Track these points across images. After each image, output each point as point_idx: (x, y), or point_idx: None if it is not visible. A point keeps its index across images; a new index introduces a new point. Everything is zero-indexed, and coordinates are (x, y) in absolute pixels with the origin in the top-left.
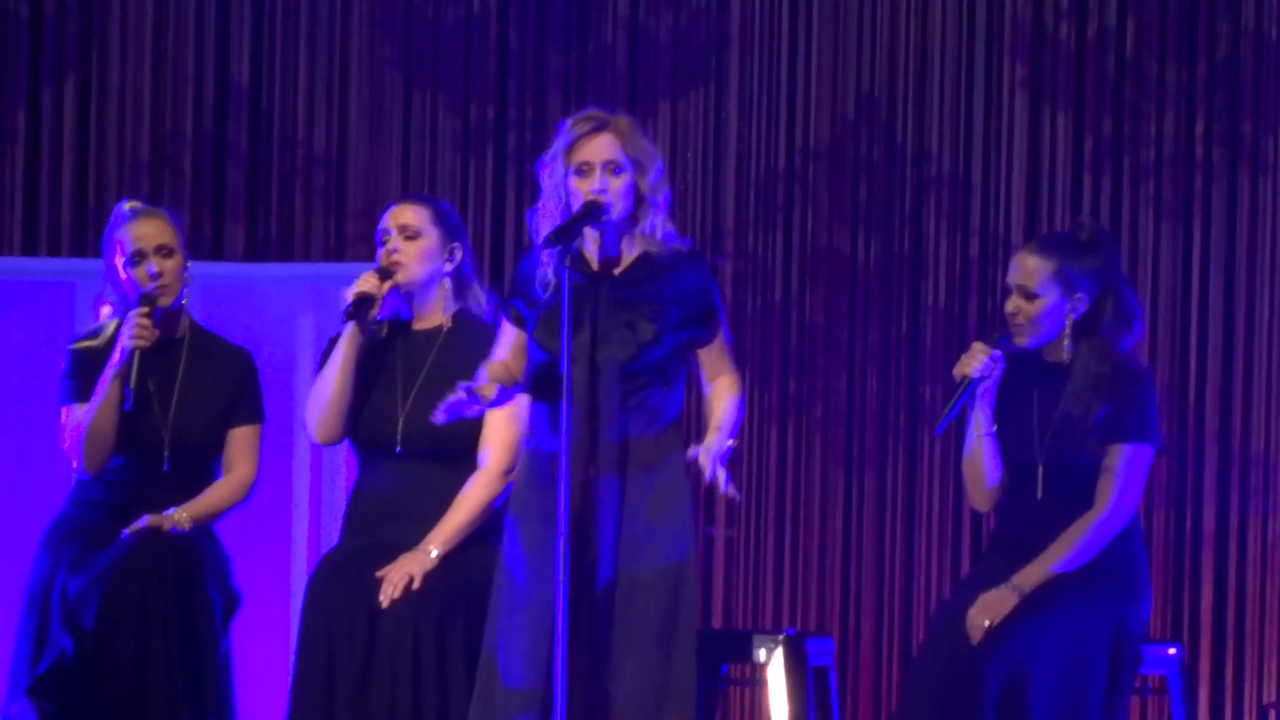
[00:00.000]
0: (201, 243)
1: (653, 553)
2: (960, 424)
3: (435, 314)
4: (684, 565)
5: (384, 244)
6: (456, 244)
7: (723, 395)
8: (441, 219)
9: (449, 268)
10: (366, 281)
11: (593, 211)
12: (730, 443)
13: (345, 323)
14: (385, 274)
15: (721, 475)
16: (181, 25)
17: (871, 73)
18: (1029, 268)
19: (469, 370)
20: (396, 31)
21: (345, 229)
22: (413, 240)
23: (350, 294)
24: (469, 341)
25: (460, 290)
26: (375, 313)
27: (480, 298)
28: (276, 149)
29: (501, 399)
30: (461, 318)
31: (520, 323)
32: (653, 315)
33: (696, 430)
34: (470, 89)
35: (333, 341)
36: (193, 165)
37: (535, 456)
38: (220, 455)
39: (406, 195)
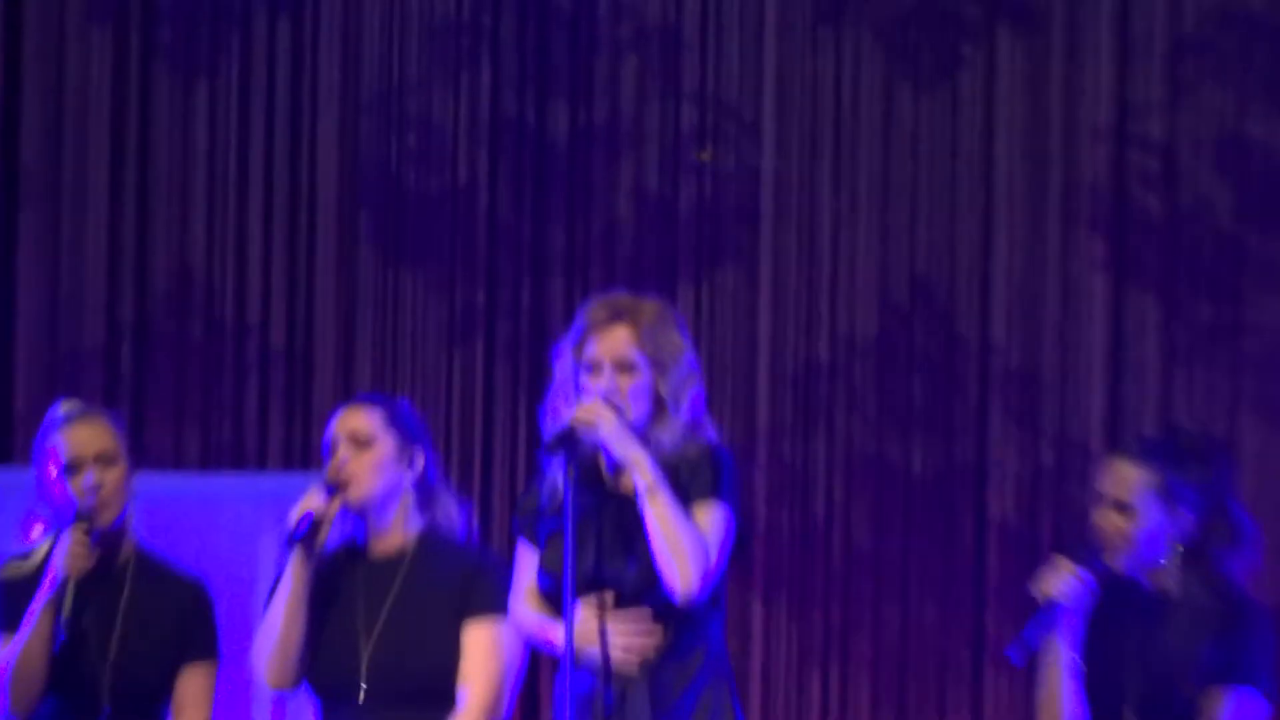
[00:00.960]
0: (146, 450)
1: None
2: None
3: (396, 534)
4: None
5: (332, 454)
6: (417, 448)
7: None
8: (397, 421)
9: (410, 478)
10: (311, 500)
11: (335, 493)
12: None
13: (290, 549)
14: (334, 489)
15: None
16: (119, 190)
17: (928, 250)
18: (1124, 478)
19: (440, 601)
20: (371, 201)
21: (311, 434)
22: (364, 449)
23: (295, 514)
24: (439, 565)
25: (426, 503)
26: (324, 537)
27: (451, 511)
28: (231, 339)
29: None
30: (429, 538)
31: (538, 543)
32: None
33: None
34: (456, 268)
35: (281, 573)
36: (134, 359)
37: (571, 699)
38: (169, 700)
39: (356, 397)
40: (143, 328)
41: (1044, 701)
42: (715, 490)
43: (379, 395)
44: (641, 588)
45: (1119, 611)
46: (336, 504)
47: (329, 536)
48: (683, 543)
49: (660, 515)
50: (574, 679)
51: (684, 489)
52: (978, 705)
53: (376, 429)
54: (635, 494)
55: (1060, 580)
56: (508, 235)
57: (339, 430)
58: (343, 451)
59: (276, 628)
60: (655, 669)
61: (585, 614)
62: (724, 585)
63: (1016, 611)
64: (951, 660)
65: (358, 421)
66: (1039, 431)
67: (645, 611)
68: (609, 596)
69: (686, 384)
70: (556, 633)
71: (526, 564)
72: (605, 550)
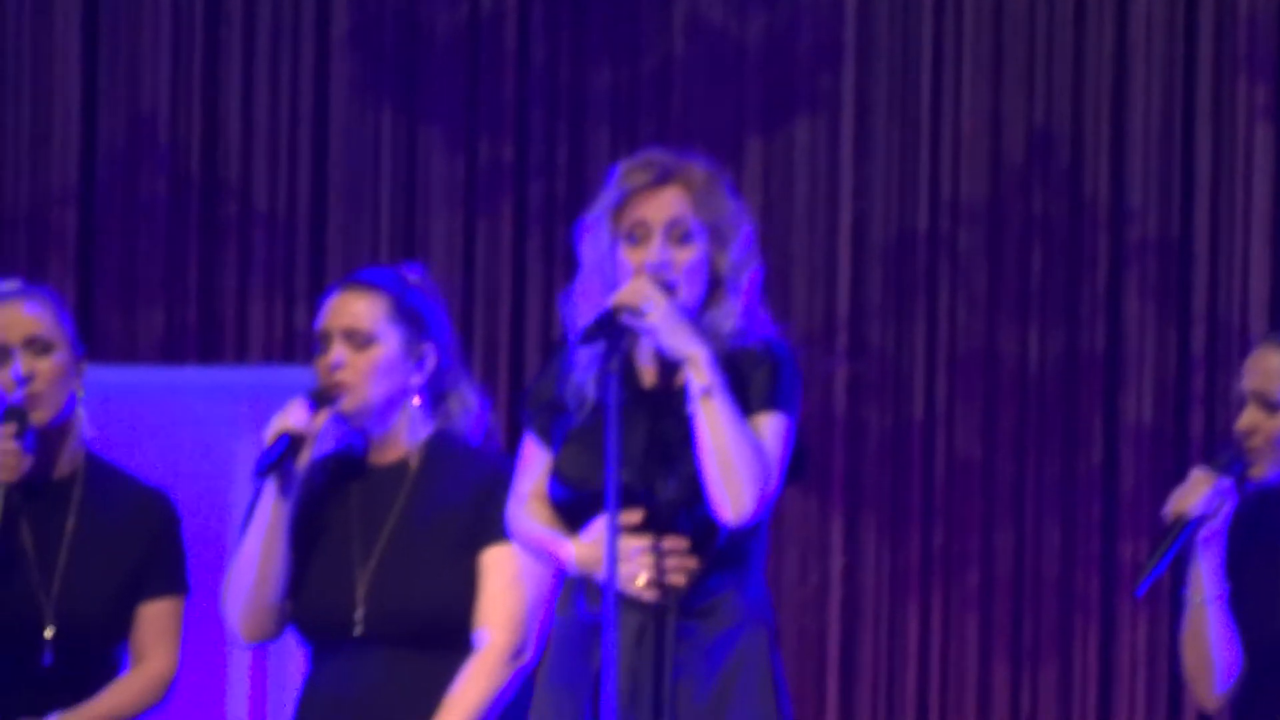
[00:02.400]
0: (101, 338)
1: None
2: (1173, 586)
3: (400, 443)
4: None
5: (323, 351)
6: (428, 344)
7: None
8: (404, 311)
9: (417, 380)
10: (293, 414)
11: (321, 405)
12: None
13: (262, 478)
14: (323, 400)
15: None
16: (67, 26)
17: (1048, 98)
18: (1270, 368)
19: (450, 520)
20: (373, 39)
21: (294, 318)
22: (363, 349)
23: (270, 434)
24: (451, 477)
25: (436, 402)
26: (305, 460)
27: (469, 403)
28: (197, 202)
29: None
30: (436, 445)
31: (550, 442)
32: None
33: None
34: (478, 120)
35: (257, 494)
36: (79, 228)
37: (574, 626)
38: (125, 640)
39: (352, 277)
40: (89, 187)
41: (1188, 639)
42: (774, 398)
43: (383, 273)
44: (677, 508)
45: (1268, 528)
46: (323, 418)
47: (315, 451)
48: (740, 457)
49: (715, 424)
50: (580, 614)
51: (739, 394)
52: (1108, 645)
53: (379, 322)
54: (682, 395)
55: (1197, 496)
56: (540, 78)
57: (332, 322)
58: (336, 350)
59: (250, 572)
60: (683, 607)
61: (602, 533)
62: (769, 514)
63: (1155, 534)
64: (1078, 594)
65: (356, 312)
66: (1187, 315)
67: (678, 537)
68: (635, 516)
69: (748, 261)
70: (566, 549)
71: (533, 463)
72: (637, 461)
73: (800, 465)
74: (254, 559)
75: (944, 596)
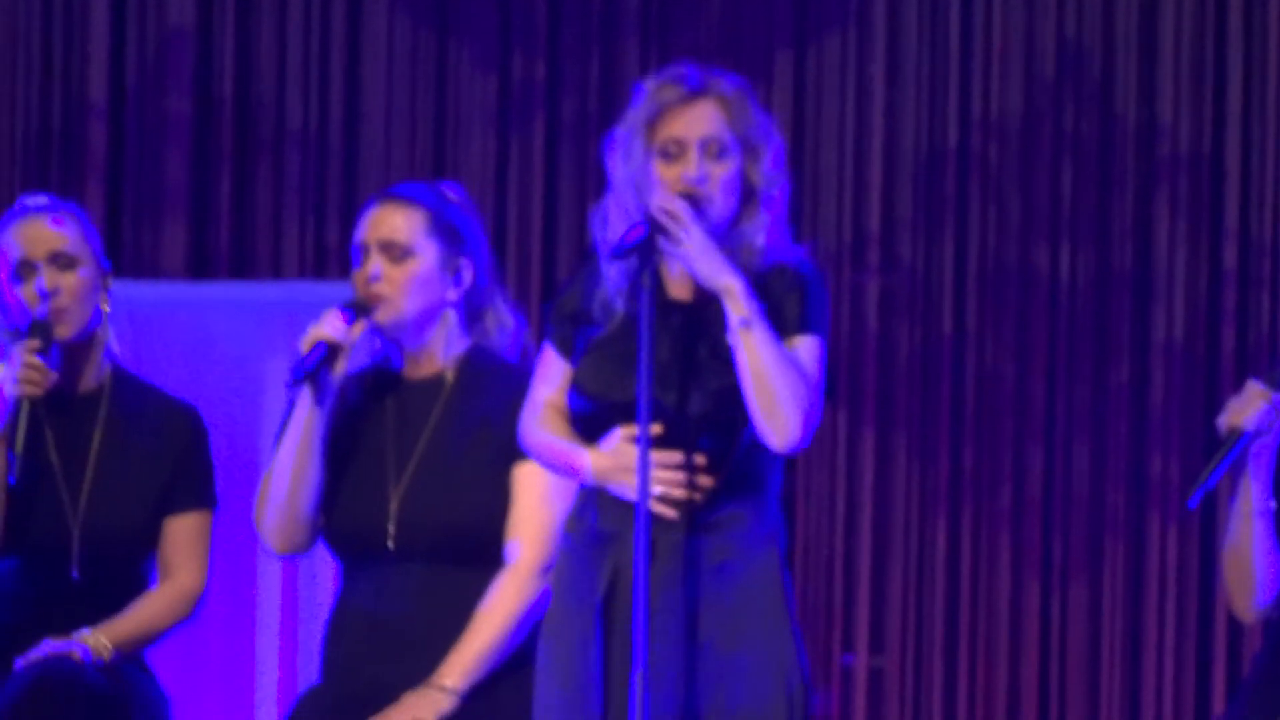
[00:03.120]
0: (128, 253)
1: (751, 682)
2: (1206, 501)
3: (435, 357)
4: (793, 702)
5: (360, 264)
6: (465, 259)
7: None
8: (442, 226)
9: (454, 295)
10: (329, 324)
11: (358, 316)
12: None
13: (297, 387)
14: (360, 311)
15: None
16: None
17: (1078, 12)
18: None
19: (485, 435)
20: None
21: (327, 235)
22: (400, 262)
23: (305, 343)
24: (485, 393)
25: (472, 318)
26: (340, 371)
27: (505, 321)
28: (230, 119)
29: None
30: (472, 361)
31: (570, 353)
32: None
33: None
34: (511, 37)
35: (291, 406)
36: (109, 144)
37: (586, 538)
38: (153, 555)
39: (391, 191)
40: (119, 102)
41: (1231, 551)
42: (806, 320)
43: (422, 188)
44: (700, 425)
45: None
46: (359, 329)
47: (351, 362)
48: (785, 384)
49: (757, 353)
50: (593, 527)
51: (772, 317)
52: (1139, 562)
53: (417, 235)
54: (710, 310)
55: (1253, 410)
56: None
57: (370, 234)
58: (374, 262)
59: (284, 482)
60: (698, 523)
61: (621, 444)
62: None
63: (1186, 452)
64: (1109, 512)
65: (395, 225)
66: (1220, 231)
67: (699, 454)
68: (655, 429)
69: (779, 176)
70: (583, 459)
71: (552, 373)
72: (661, 374)
73: (832, 385)
74: (288, 469)
75: (974, 514)
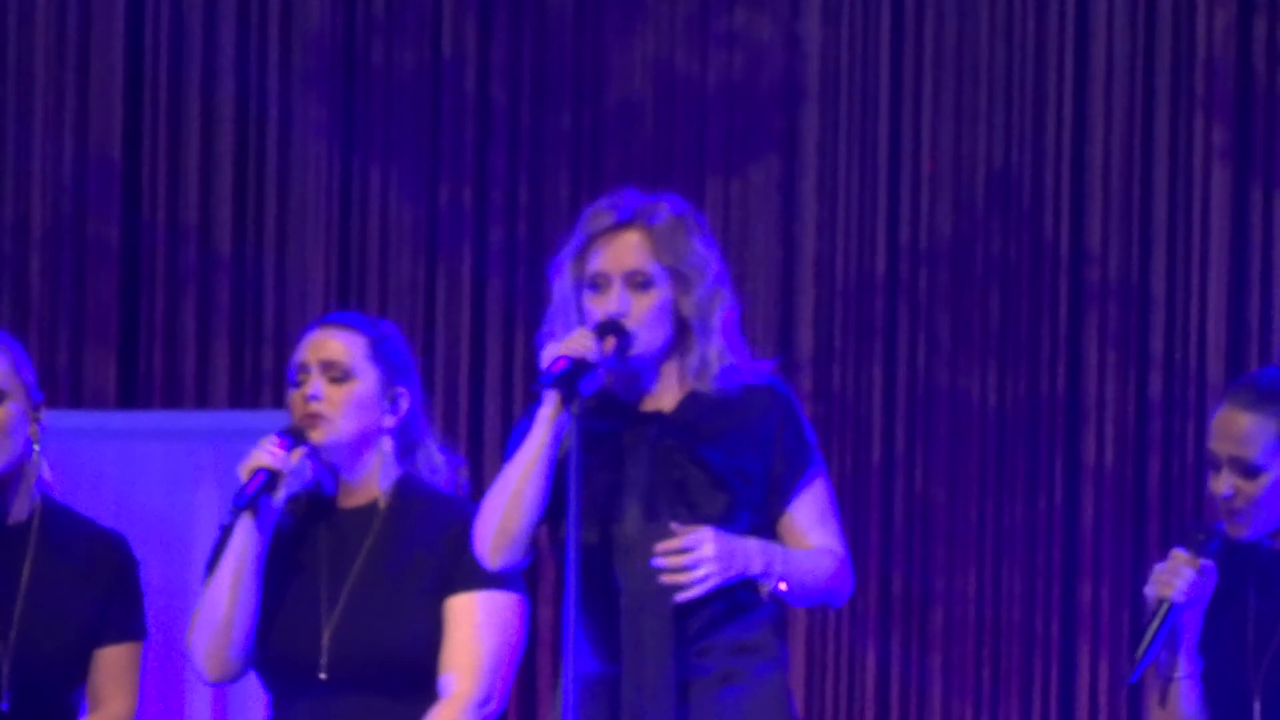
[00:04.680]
0: (56, 381)
1: None
2: (1133, 634)
3: (369, 485)
4: None
5: (298, 384)
6: (401, 388)
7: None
8: (382, 351)
9: (390, 422)
10: (268, 451)
11: (607, 334)
12: (762, 563)
13: (237, 515)
14: (298, 437)
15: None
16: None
17: (1007, 139)
18: (1242, 431)
19: (419, 565)
20: (331, 82)
21: (261, 361)
22: (341, 383)
23: (245, 470)
24: (419, 521)
25: (406, 450)
26: (280, 498)
27: (437, 459)
28: (163, 248)
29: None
30: (405, 488)
31: None
32: (722, 474)
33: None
34: (439, 164)
35: (223, 536)
36: (43, 270)
37: (585, 684)
38: (82, 686)
39: (332, 317)
40: (42, 235)
41: (1159, 711)
42: (809, 456)
43: (360, 317)
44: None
45: (1238, 586)
46: (298, 455)
47: (289, 488)
48: (827, 585)
49: (797, 587)
50: (577, 660)
51: (774, 475)
52: (1068, 696)
53: (358, 359)
54: (687, 420)
55: (1180, 579)
56: (501, 120)
57: (311, 355)
58: (314, 381)
59: (219, 610)
60: (700, 645)
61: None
62: None
63: (1116, 579)
64: (1039, 638)
65: (335, 347)
66: (1147, 359)
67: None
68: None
69: (715, 300)
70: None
71: None
72: (646, 498)
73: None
74: (223, 596)
75: (904, 639)
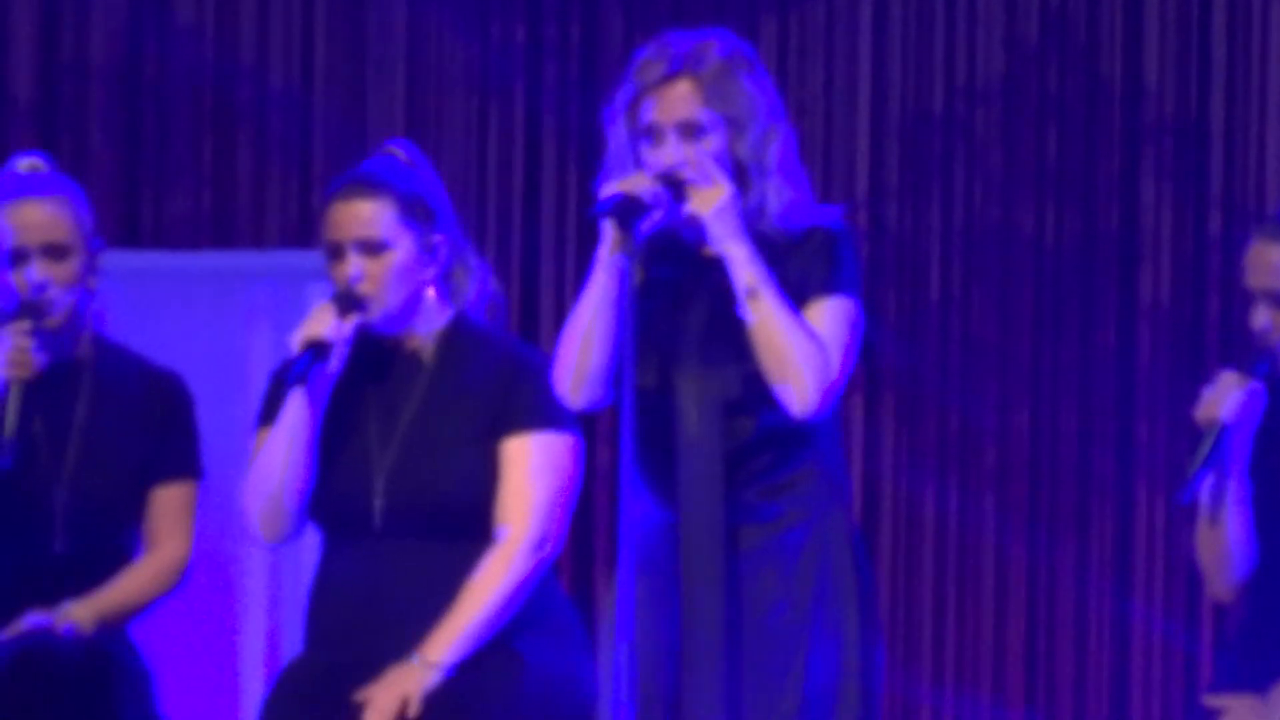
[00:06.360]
0: (109, 221)
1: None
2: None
3: (415, 335)
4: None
5: (336, 259)
6: (439, 234)
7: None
8: (410, 209)
9: (431, 273)
10: (319, 322)
11: (663, 191)
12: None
13: (290, 386)
14: (348, 306)
15: None
16: None
17: None
18: (1274, 264)
19: (470, 409)
20: None
21: (312, 199)
22: (378, 256)
23: (298, 341)
24: (471, 365)
25: (452, 290)
26: (335, 366)
27: (472, 269)
28: (211, 85)
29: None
30: (454, 333)
31: None
32: None
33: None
34: (490, 1)
35: (274, 386)
36: (102, 109)
37: (643, 530)
38: (137, 526)
39: (352, 180)
40: (91, 71)
41: (1209, 535)
42: (831, 280)
43: (380, 169)
44: (743, 392)
45: None
46: (350, 323)
47: (341, 356)
48: (796, 354)
49: (765, 323)
50: (635, 510)
51: (795, 281)
52: (1126, 531)
53: (390, 228)
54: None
55: (1229, 400)
56: None
57: (342, 234)
58: (351, 262)
59: (275, 476)
60: (753, 491)
61: (639, 177)
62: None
63: (1172, 418)
64: (1095, 475)
65: (365, 220)
66: (1204, 196)
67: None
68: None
69: (769, 139)
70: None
71: None
72: (700, 342)
73: (867, 346)
74: (279, 463)
75: (960, 478)
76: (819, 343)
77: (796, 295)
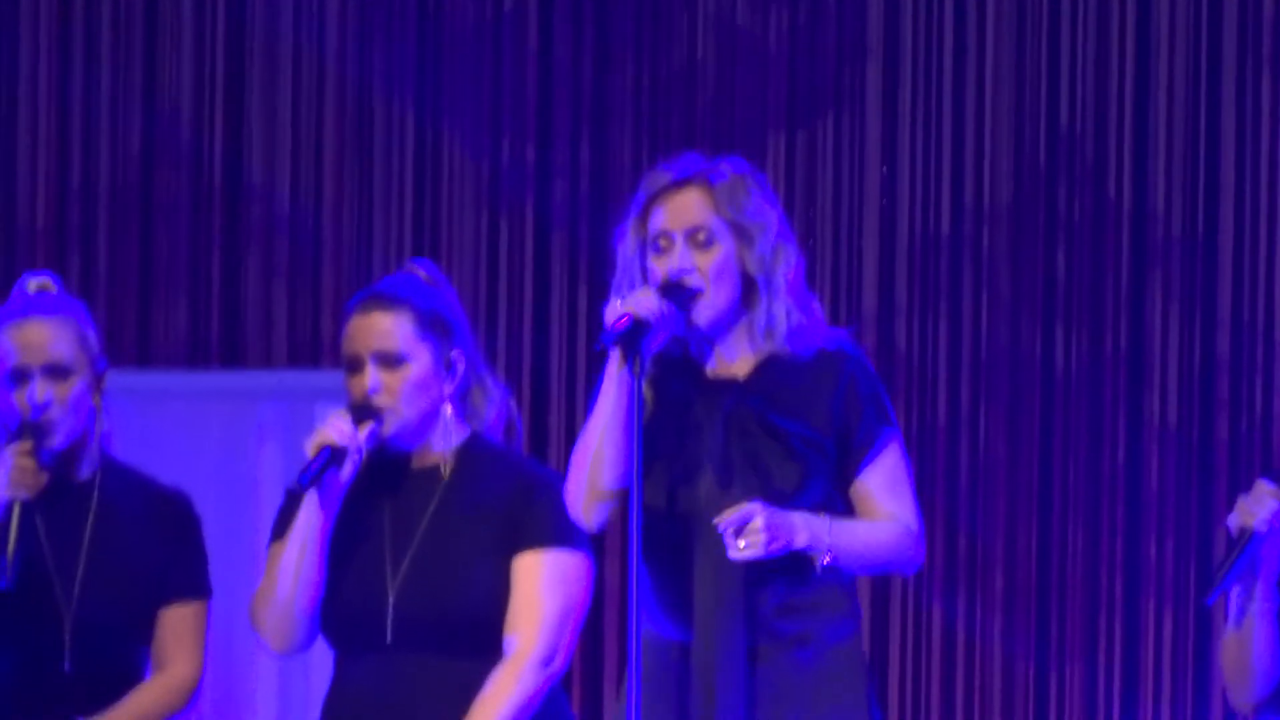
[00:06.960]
0: (119, 341)
1: None
2: (1198, 592)
3: (434, 448)
4: None
5: (354, 371)
6: (456, 350)
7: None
8: (429, 325)
9: (450, 389)
10: (335, 429)
11: (672, 297)
12: (807, 538)
13: (303, 491)
14: (364, 415)
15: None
16: (93, 33)
17: (1072, 97)
18: None
19: (483, 525)
20: (394, 37)
21: (320, 319)
22: (396, 369)
23: (311, 446)
24: (484, 482)
25: (468, 409)
26: (348, 473)
27: (490, 392)
28: (220, 208)
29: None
30: (469, 450)
31: None
32: (795, 445)
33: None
34: (501, 121)
35: (288, 501)
36: (109, 233)
37: (654, 649)
38: (147, 647)
39: (373, 294)
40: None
41: (1233, 646)
42: (878, 427)
43: (400, 284)
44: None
45: None
46: (365, 431)
47: (352, 470)
48: (888, 554)
49: (852, 557)
50: (649, 627)
51: (847, 442)
52: (1133, 652)
53: (408, 342)
54: (744, 384)
55: (1263, 510)
56: (563, 77)
57: (361, 346)
58: (370, 375)
59: (287, 585)
60: (769, 589)
61: (643, 293)
62: None
63: (1180, 539)
64: (1102, 596)
65: (384, 333)
66: (1212, 318)
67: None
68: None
69: (779, 255)
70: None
71: None
72: (719, 469)
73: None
74: (289, 573)
75: (968, 599)
76: (899, 529)
77: (850, 442)
